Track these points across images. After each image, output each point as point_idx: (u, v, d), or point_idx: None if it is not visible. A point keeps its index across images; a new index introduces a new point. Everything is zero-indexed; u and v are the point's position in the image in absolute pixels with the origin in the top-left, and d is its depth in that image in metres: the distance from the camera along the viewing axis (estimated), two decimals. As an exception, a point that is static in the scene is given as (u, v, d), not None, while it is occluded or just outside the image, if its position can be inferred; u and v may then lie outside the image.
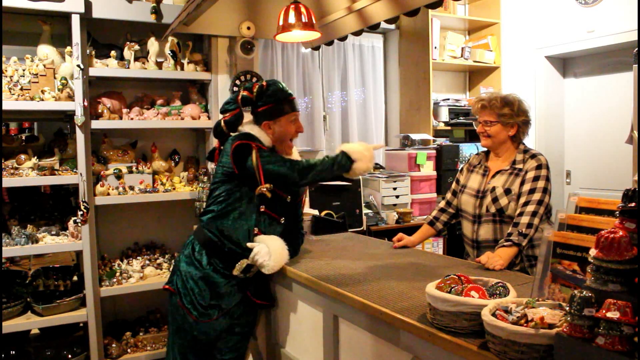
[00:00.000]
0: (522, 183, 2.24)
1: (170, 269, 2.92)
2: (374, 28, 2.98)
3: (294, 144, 2.43)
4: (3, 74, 2.72)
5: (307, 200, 3.44)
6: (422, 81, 4.51)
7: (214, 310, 2.28)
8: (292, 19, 2.45)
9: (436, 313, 1.43)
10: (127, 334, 3.11)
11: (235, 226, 2.25)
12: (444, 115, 4.65)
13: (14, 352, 2.82)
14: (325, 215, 3.21)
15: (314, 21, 2.51)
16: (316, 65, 4.35)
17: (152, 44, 3.12)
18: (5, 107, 2.64)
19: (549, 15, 4.38)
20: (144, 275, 3.15)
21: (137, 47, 3.08)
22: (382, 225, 4.00)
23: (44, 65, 2.79)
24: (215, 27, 3.26)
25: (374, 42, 4.67)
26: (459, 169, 2.71)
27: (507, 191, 2.26)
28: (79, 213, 2.82)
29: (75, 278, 3.08)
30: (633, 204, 1.14)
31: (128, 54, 3.07)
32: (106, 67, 3.02)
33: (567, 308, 1.11)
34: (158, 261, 3.29)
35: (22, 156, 2.81)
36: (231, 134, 2.36)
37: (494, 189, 2.30)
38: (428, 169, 4.36)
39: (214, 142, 3.32)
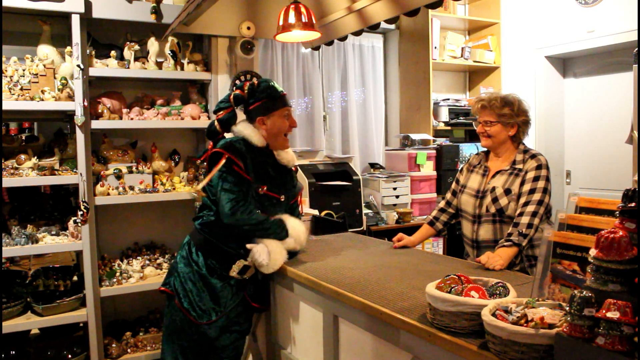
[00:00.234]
0: (522, 183, 2.24)
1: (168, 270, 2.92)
2: (374, 28, 2.98)
3: (291, 145, 2.45)
4: (3, 74, 2.71)
5: (306, 200, 3.45)
6: (422, 81, 4.51)
7: (213, 311, 2.28)
8: (292, 19, 2.45)
9: (436, 313, 1.43)
10: (127, 334, 3.11)
11: (226, 232, 2.26)
12: (444, 115, 4.65)
13: (14, 352, 2.82)
14: (325, 215, 3.21)
15: (314, 21, 2.51)
16: (316, 65, 4.35)
17: (152, 44, 3.12)
18: (5, 107, 2.64)
19: (549, 15, 4.38)
20: (144, 275, 3.15)
21: (137, 47, 3.08)
22: (382, 225, 4.00)
23: (44, 65, 2.79)
24: (215, 27, 3.26)
25: (374, 42, 4.66)
26: (459, 169, 2.71)
27: (507, 191, 2.26)
28: (79, 213, 2.82)
29: (75, 278, 3.08)
30: (633, 204, 1.14)
31: (128, 54, 3.07)
32: (106, 67, 3.02)
33: (567, 308, 1.11)
34: (158, 261, 3.29)
35: (22, 156, 2.81)
36: (225, 134, 2.36)
37: (494, 189, 2.30)
38: (428, 169, 4.36)
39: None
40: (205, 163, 2.36)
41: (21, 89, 2.73)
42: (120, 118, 3.09)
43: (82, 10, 2.78)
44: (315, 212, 3.17)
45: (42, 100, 2.74)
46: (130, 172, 3.12)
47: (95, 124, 2.95)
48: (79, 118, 2.78)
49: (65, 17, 2.81)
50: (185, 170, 3.45)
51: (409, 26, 4.62)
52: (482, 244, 2.34)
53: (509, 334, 1.18)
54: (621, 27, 3.80)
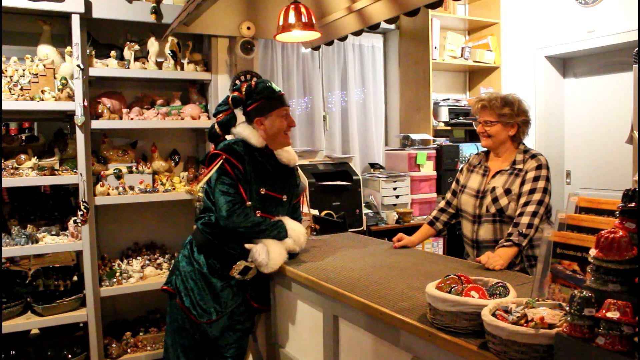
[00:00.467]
0: (522, 183, 2.24)
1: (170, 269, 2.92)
2: (374, 28, 2.98)
3: (292, 146, 2.45)
4: (3, 74, 2.72)
5: (307, 200, 3.44)
6: (422, 81, 4.51)
7: (214, 310, 2.28)
8: (292, 19, 2.45)
9: (436, 313, 1.43)
10: (127, 334, 3.11)
11: (226, 232, 2.26)
12: (444, 115, 4.65)
13: (14, 352, 2.82)
14: (325, 215, 3.21)
15: (314, 21, 2.51)
16: (316, 65, 4.35)
17: (152, 44, 3.12)
18: (5, 107, 2.64)
19: (549, 15, 4.38)
20: (144, 275, 3.15)
21: (137, 47, 3.08)
22: (382, 225, 4.00)
23: (44, 65, 2.79)
24: (215, 27, 3.26)
25: (374, 42, 4.66)
26: (459, 169, 2.71)
27: (507, 191, 2.26)
28: (79, 213, 2.82)
29: (75, 278, 3.08)
30: (633, 204, 1.14)
31: (128, 54, 3.07)
32: (106, 67, 3.02)
33: (567, 308, 1.11)
34: (158, 261, 3.29)
35: (22, 156, 2.81)
36: (226, 136, 2.37)
37: (494, 189, 2.30)
38: (428, 169, 4.36)
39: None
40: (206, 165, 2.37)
41: (21, 89, 2.73)
42: (120, 118, 3.09)
43: (82, 10, 2.78)
44: (315, 212, 3.17)
45: (42, 100, 2.74)
46: (130, 172, 3.12)
47: (95, 124, 2.95)
48: (79, 118, 2.78)
49: (65, 17, 2.81)
50: (185, 170, 3.45)
51: (409, 26, 4.62)
52: (482, 244, 2.34)
53: (509, 334, 1.18)
54: (621, 27, 3.80)
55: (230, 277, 2.29)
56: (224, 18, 3.25)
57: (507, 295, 1.44)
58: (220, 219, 2.19)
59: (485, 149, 2.45)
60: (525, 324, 1.19)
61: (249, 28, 3.29)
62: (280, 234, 2.26)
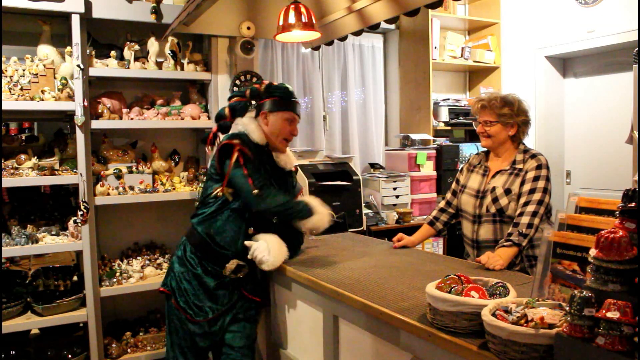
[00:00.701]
0: (522, 183, 2.24)
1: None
2: (374, 28, 2.98)
3: (291, 145, 2.45)
4: (3, 74, 2.71)
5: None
6: (422, 81, 4.51)
7: (209, 309, 2.29)
8: (292, 19, 2.45)
9: (436, 313, 1.43)
10: (127, 334, 3.11)
11: (225, 227, 2.26)
12: (444, 115, 4.65)
13: (14, 352, 2.82)
14: (325, 215, 3.21)
15: (314, 21, 2.51)
16: (316, 65, 4.35)
17: (152, 44, 3.12)
18: (5, 107, 2.64)
19: (549, 15, 4.38)
20: (144, 275, 3.15)
21: (137, 47, 3.08)
22: (382, 225, 4.00)
23: (44, 65, 2.79)
24: (215, 27, 3.26)
25: (374, 42, 4.66)
26: (459, 169, 2.71)
27: (507, 191, 2.26)
28: (79, 213, 2.82)
29: (75, 278, 3.08)
30: (633, 204, 1.14)
31: (128, 54, 3.06)
32: (106, 67, 3.02)
33: (567, 308, 1.11)
34: (158, 261, 3.29)
35: (22, 156, 2.81)
36: (233, 120, 2.37)
37: (494, 189, 2.30)
38: (428, 169, 4.36)
39: (214, 142, 3.33)
40: (208, 146, 2.40)
41: (21, 89, 2.73)
42: (120, 118, 3.09)
43: (82, 10, 2.78)
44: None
45: (42, 100, 2.74)
46: (130, 172, 3.12)
47: (95, 124, 2.95)
48: (79, 118, 2.78)
49: (65, 17, 2.80)
50: (185, 170, 3.45)
51: (409, 26, 4.62)
52: (482, 244, 2.34)
53: (509, 334, 1.18)
54: (621, 27, 3.80)
55: (224, 275, 2.29)
56: (224, 18, 3.25)
57: (507, 295, 1.44)
58: (252, 203, 2.17)
59: (485, 149, 2.45)
60: (525, 324, 1.19)
61: (249, 28, 3.29)
62: (308, 211, 2.21)
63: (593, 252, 1.12)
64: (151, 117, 3.15)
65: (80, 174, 2.83)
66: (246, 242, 2.24)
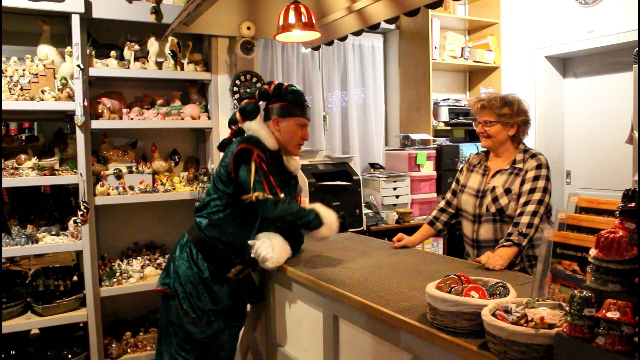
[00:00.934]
0: (522, 183, 2.24)
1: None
2: (374, 28, 2.98)
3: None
4: (3, 74, 2.72)
5: (306, 200, 3.45)
6: (422, 81, 4.51)
7: (212, 312, 2.31)
8: (292, 19, 2.45)
9: (436, 313, 1.43)
10: (127, 334, 3.11)
11: (236, 233, 2.26)
12: (444, 115, 4.65)
13: (14, 352, 2.82)
14: (325, 215, 3.20)
15: (314, 21, 2.51)
16: (316, 65, 4.35)
17: (152, 44, 3.12)
18: (5, 107, 2.64)
19: (549, 15, 4.38)
20: (144, 275, 3.15)
21: (137, 47, 3.08)
22: (382, 225, 4.00)
23: (44, 65, 2.79)
24: (215, 27, 3.26)
25: (374, 42, 4.66)
26: (459, 168, 2.71)
27: (507, 191, 2.26)
28: (79, 213, 2.82)
29: (75, 278, 3.08)
30: (633, 204, 1.14)
31: (128, 54, 3.06)
32: (106, 67, 3.02)
33: (567, 308, 1.11)
34: (158, 261, 3.29)
35: (22, 156, 2.81)
36: (244, 123, 2.32)
37: (494, 188, 2.30)
38: (428, 169, 4.36)
39: (214, 142, 3.34)
40: (224, 153, 2.32)
41: (21, 89, 2.73)
42: (120, 118, 3.09)
43: (82, 10, 2.78)
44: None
45: (42, 100, 2.74)
46: (130, 172, 3.12)
47: (95, 124, 2.95)
48: (79, 118, 2.78)
49: (65, 17, 2.81)
50: (185, 170, 3.45)
51: (409, 26, 4.62)
52: (482, 243, 2.34)
53: (509, 334, 1.18)
54: (621, 27, 3.80)
55: (227, 278, 2.31)
56: (224, 18, 3.25)
57: (507, 295, 1.44)
58: (267, 210, 2.14)
59: (485, 149, 2.45)
60: (525, 324, 1.19)
61: (249, 28, 3.29)
62: (318, 223, 2.21)
63: (593, 252, 1.12)
64: (151, 117, 3.15)
65: (80, 174, 2.83)
66: (249, 242, 2.24)
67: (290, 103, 2.28)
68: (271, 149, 2.25)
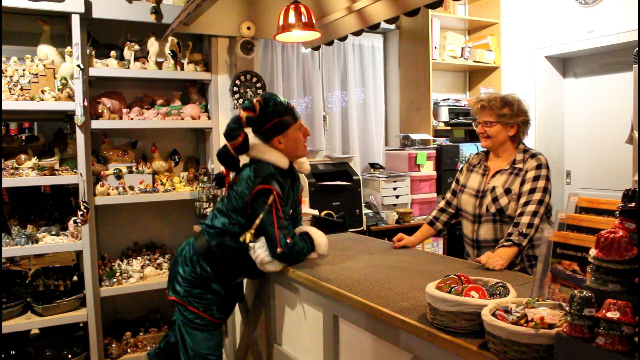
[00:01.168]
0: (522, 183, 2.24)
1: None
2: (374, 28, 2.98)
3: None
4: (3, 74, 2.72)
5: (306, 200, 3.45)
6: (422, 81, 4.51)
7: (220, 319, 2.35)
8: (292, 19, 2.45)
9: (436, 313, 1.43)
10: (127, 334, 3.12)
11: (246, 256, 2.23)
12: (444, 115, 4.65)
13: (14, 352, 2.82)
14: (325, 215, 3.21)
15: (314, 21, 2.51)
16: (316, 65, 4.35)
17: (152, 44, 3.12)
18: (5, 107, 2.64)
19: (549, 15, 4.38)
20: (144, 275, 3.15)
21: (137, 47, 3.08)
22: (382, 225, 4.00)
23: (44, 65, 2.79)
24: (215, 27, 3.26)
25: (374, 42, 4.66)
26: (459, 168, 2.71)
27: (507, 191, 2.26)
28: (79, 213, 2.82)
29: (75, 278, 3.09)
30: (633, 204, 1.14)
31: (128, 54, 3.07)
32: (106, 67, 3.02)
33: (567, 308, 1.11)
34: (158, 261, 3.29)
35: (22, 156, 2.81)
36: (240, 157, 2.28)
37: (494, 188, 2.30)
38: (428, 169, 4.36)
39: (214, 142, 3.34)
40: (224, 189, 2.32)
41: (21, 89, 2.73)
42: (120, 118, 3.09)
43: (82, 10, 2.78)
44: (315, 212, 3.17)
45: (42, 100, 2.74)
46: (130, 172, 3.12)
47: (95, 124, 2.95)
48: (79, 118, 2.78)
49: (65, 17, 2.81)
50: (185, 170, 3.45)
51: (409, 26, 4.62)
52: (482, 243, 2.34)
53: (509, 334, 1.18)
54: (621, 27, 3.80)
55: (231, 285, 2.36)
56: (224, 18, 3.26)
57: (507, 295, 1.44)
58: (276, 255, 2.14)
59: (485, 149, 2.45)
60: (525, 324, 1.19)
61: (249, 28, 3.29)
62: (310, 249, 2.28)
63: (593, 252, 1.12)
64: (151, 117, 3.16)
65: (80, 174, 2.83)
66: (250, 244, 2.23)
67: (280, 118, 2.22)
68: (285, 168, 2.23)
